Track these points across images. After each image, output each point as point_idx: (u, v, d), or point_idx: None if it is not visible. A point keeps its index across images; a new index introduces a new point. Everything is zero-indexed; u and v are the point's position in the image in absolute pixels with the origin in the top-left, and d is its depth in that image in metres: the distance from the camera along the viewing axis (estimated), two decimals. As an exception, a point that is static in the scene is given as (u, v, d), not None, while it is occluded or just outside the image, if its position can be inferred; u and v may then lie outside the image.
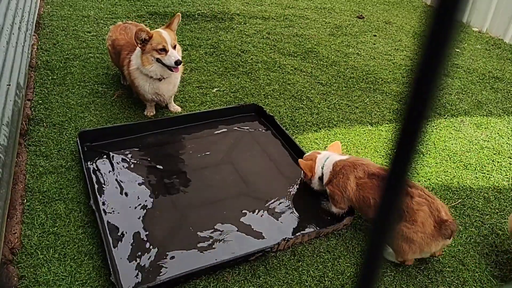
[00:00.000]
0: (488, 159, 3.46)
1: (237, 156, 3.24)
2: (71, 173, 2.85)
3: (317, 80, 4.37)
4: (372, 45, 5.35)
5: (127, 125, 3.32)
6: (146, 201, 2.74)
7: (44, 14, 5.00)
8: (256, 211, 2.75)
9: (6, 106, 2.76)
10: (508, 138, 3.77)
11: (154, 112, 3.61)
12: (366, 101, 4.10)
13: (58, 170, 2.86)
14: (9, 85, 2.92)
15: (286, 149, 3.34)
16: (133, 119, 3.48)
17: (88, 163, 2.97)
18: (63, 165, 2.90)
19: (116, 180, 2.87)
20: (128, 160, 3.06)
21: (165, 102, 3.58)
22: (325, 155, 2.75)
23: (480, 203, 2.98)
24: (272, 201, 2.84)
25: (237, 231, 2.59)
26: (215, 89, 4.01)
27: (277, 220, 2.70)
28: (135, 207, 2.68)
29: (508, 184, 3.21)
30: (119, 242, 2.42)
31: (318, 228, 2.62)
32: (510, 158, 3.51)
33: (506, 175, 3.30)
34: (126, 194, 2.77)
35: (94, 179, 2.84)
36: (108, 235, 2.43)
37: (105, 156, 3.07)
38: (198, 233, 2.54)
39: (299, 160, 2.85)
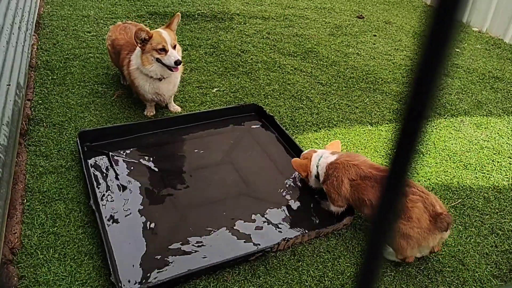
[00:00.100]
0: (488, 159, 3.46)
1: (237, 156, 3.24)
2: (71, 173, 2.85)
3: (317, 80, 4.37)
4: (372, 45, 5.35)
5: (127, 125, 3.32)
6: (146, 201, 2.74)
7: (44, 14, 5.00)
8: (256, 211, 2.75)
9: (6, 106, 2.76)
10: (508, 138, 3.77)
11: (154, 112, 3.61)
12: (366, 101, 4.10)
13: (58, 170, 2.86)
14: (9, 85, 2.92)
15: (286, 149, 3.34)
16: (133, 119, 3.48)
17: (88, 163, 2.97)
18: (63, 165, 2.90)
19: (116, 180, 2.87)
20: (128, 160, 3.06)
21: (165, 102, 3.58)
22: (319, 154, 2.77)
23: (480, 203, 2.98)
24: (272, 201, 2.84)
25: (237, 231, 2.59)
26: (215, 89, 4.01)
27: (277, 220, 2.70)
28: (135, 207, 2.67)
29: (508, 184, 3.21)
30: (119, 242, 2.42)
31: (318, 228, 2.62)
32: (510, 158, 3.51)
33: (506, 175, 3.30)
34: (126, 194, 2.77)
35: (94, 179, 2.84)
36: (108, 235, 2.43)
37: (105, 156, 3.07)
38: (198, 233, 2.54)
39: (293, 160, 2.86)
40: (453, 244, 2.63)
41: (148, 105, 3.57)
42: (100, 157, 3.06)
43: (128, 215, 2.62)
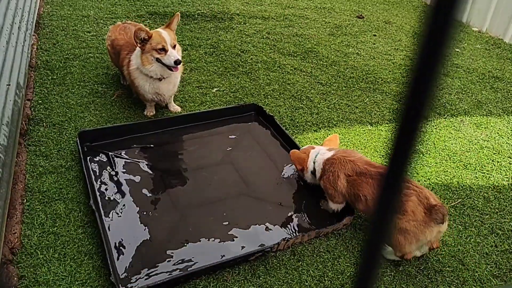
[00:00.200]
0: (488, 159, 3.46)
1: (237, 156, 3.24)
2: (71, 173, 2.85)
3: (317, 80, 4.37)
4: (372, 45, 5.35)
5: (127, 125, 3.32)
6: (146, 201, 2.74)
7: (44, 14, 5.00)
8: (256, 211, 2.75)
9: (6, 106, 2.76)
10: (508, 138, 3.77)
11: (154, 112, 3.61)
12: (366, 101, 4.10)
13: (58, 170, 2.86)
14: (9, 85, 2.92)
15: (286, 149, 3.34)
16: (133, 119, 3.48)
17: (88, 163, 2.97)
18: (63, 165, 2.90)
19: (116, 180, 2.87)
20: (128, 160, 3.06)
21: (165, 102, 3.58)
22: (317, 150, 2.80)
23: (480, 203, 2.98)
24: (272, 201, 2.85)
25: (237, 231, 2.59)
26: (215, 89, 4.01)
27: (277, 220, 2.70)
28: (135, 207, 2.68)
29: (508, 184, 3.21)
30: (119, 242, 2.42)
31: (318, 228, 2.62)
32: (510, 158, 3.51)
33: (506, 175, 3.30)
34: (126, 194, 2.77)
35: (94, 179, 2.84)
36: (108, 235, 2.43)
37: (105, 156, 3.07)
38: (198, 233, 2.54)
39: (291, 151, 2.89)
40: (453, 244, 2.63)
41: (148, 105, 3.57)
42: (100, 157, 3.06)
43: (128, 215, 2.62)
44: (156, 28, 3.37)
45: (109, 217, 2.58)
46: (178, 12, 3.42)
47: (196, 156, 3.21)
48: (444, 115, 4.02)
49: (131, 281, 2.22)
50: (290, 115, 3.75)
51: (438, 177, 3.19)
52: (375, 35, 5.64)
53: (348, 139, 3.53)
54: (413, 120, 0.41)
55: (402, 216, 2.29)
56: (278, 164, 3.19)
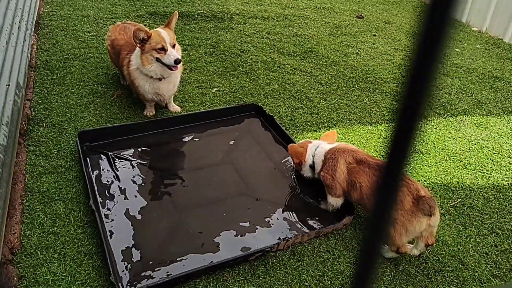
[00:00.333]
0: (487, 159, 3.46)
1: (237, 156, 3.24)
2: (71, 173, 2.85)
3: (316, 80, 4.37)
4: (372, 45, 5.35)
5: (126, 125, 3.32)
6: (145, 201, 2.74)
7: (43, 14, 5.00)
8: (256, 211, 2.75)
9: (5, 106, 2.76)
10: (508, 137, 3.77)
11: (154, 112, 3.61)
12: (365, 101, 4.10)
13: (57, 170, 2.86)
14: (9, 85, 2.92)
15: (286, 149, 3.33)
16: (133, 119, 3.48)
17: (88, 163, 2.97)
18: (63, 165, 2.90)
19: (116, 180, 2.87)
20: (128, 160, 3.06)
21: (165, 102, 3.58)
22: (316, 144, 2.83)
23: (480, 203, 2.98)
24: (272, 201, 2.84)
25: (237, 231, 2.59)
26: (215, 89, 4.01)
27: (277, 220, 2.70)
28: (135, 207, 2.67)
29: (508, 183, 3.21)
30: (119, 242, 2.42)
31: (317, 228, 2.62)
32: (510, 157, 3.51)
33: (505, 175, 3.29)
34: (126, 194, 2.77)
35: (94, 179, 2.84)
36: (108, 235, 2.43)
37: (104, 156, 3.07)
38: (198, 233, 2.54)
39: (290, 145, 2.91)
40: (453, 244, 2.63)
41: (148, 105, 3.57)
42: (100, 157, 3.06)
43: (128, 215, 2.62)
44: (155, 28, 3.37)
45: (109, 217, 2.58)
46: (176, 11, 3.42)
47: (196, 156, 3.21)
48: (444, 115, 4.02)
49: (131, 281, 2.22)
50: (290, 115, 3.75)
51: (438, 177, 3.19)
52: (375, 35, 5.64)
53: (348, 139, 3.53)
54: (410, 119, 0.41)
55: None
56: (277, 164, 3.19)
